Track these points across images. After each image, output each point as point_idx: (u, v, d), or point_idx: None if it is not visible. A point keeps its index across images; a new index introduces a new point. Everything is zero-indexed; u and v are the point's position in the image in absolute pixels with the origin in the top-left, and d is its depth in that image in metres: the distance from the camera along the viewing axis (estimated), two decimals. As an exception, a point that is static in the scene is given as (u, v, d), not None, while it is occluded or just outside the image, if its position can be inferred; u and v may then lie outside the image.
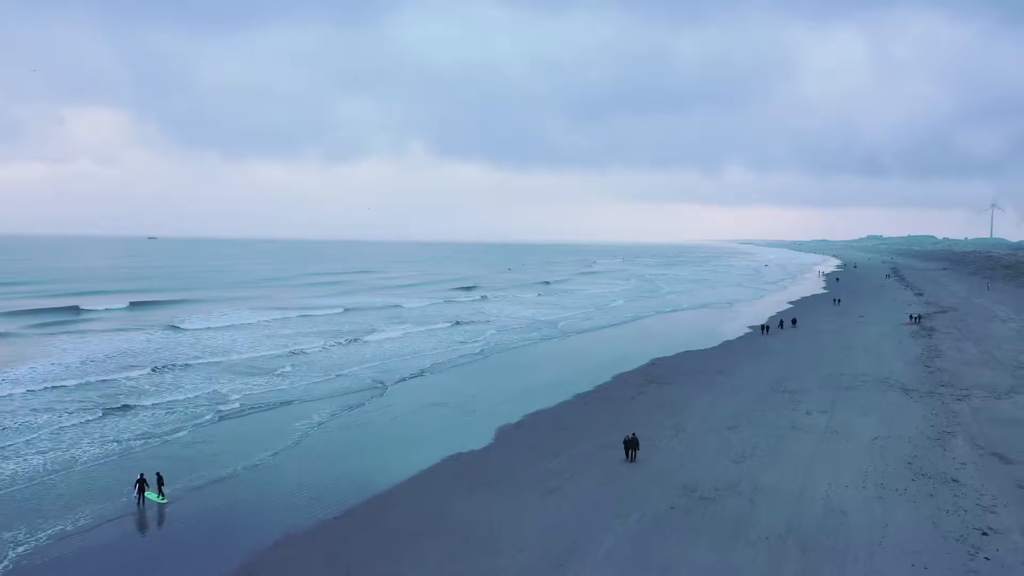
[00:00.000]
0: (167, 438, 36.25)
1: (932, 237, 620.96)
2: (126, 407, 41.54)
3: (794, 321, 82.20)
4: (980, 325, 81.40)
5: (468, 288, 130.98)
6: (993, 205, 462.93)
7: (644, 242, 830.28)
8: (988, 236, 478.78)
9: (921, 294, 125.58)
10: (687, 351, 64.55)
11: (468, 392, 47.61)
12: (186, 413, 40.79)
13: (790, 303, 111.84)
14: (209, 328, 73.78)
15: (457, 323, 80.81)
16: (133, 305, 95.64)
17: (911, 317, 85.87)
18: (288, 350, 60.89)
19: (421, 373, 53.03)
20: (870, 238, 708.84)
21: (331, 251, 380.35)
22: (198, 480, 30.33)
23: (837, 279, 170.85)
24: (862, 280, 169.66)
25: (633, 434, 32.49)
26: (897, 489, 28.85)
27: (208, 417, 40.09)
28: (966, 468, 31.56)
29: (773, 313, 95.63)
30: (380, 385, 48.94)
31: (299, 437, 36.83)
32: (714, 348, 66.50)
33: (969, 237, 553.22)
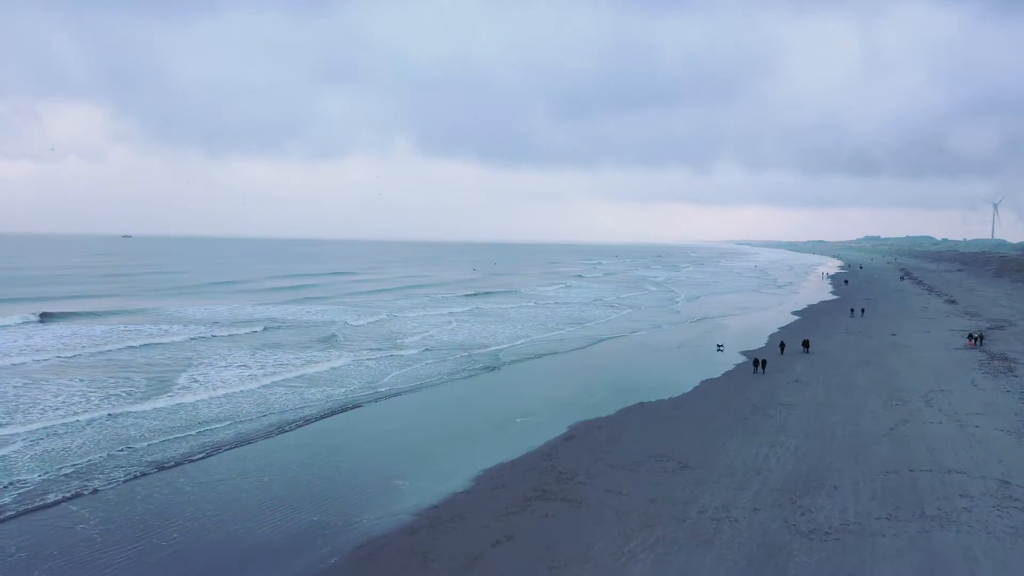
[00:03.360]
0: None
1: (931, 238, 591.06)
2: None
3: (805, 344, 56.11)
4: (1071, 351, 55.25)
5: (436, 297, 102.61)
6: (995, 205, 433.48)
7: (640, 243, 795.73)
8: (990, 236, 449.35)
9: (954, 301, 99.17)
10: (640, 403, 38.63)
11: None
12: None
13: (795, 313, 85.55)
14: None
15: (369, 350, 54.56)
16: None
17: (971, 337, 59.61)
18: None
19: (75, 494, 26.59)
20: (867, 238, 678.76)
21: (316, 250, 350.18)
22: None
23: (846, 281, 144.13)
24: (874, 283, 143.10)
25: None
26: None
27: None
28: None
29: (774, 330, 69.43)
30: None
31: None
32: (685, 397, 40.55)
33: (968, 237, 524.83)
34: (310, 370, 46.10)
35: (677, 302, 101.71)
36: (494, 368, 49.17)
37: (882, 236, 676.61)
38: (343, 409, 36.82)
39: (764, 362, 46.78)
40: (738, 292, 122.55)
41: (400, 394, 40.82)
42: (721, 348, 57.22)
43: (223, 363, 47.56)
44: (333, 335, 61.41)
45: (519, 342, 60.47)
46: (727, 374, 47.20)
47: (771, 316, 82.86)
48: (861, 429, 33.50)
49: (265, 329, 64.91)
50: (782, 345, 55.97)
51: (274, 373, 44.85)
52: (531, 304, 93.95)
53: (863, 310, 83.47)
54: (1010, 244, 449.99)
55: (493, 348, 57.06)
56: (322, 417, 35.00)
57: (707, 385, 43.55)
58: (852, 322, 75.40)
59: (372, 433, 32.95)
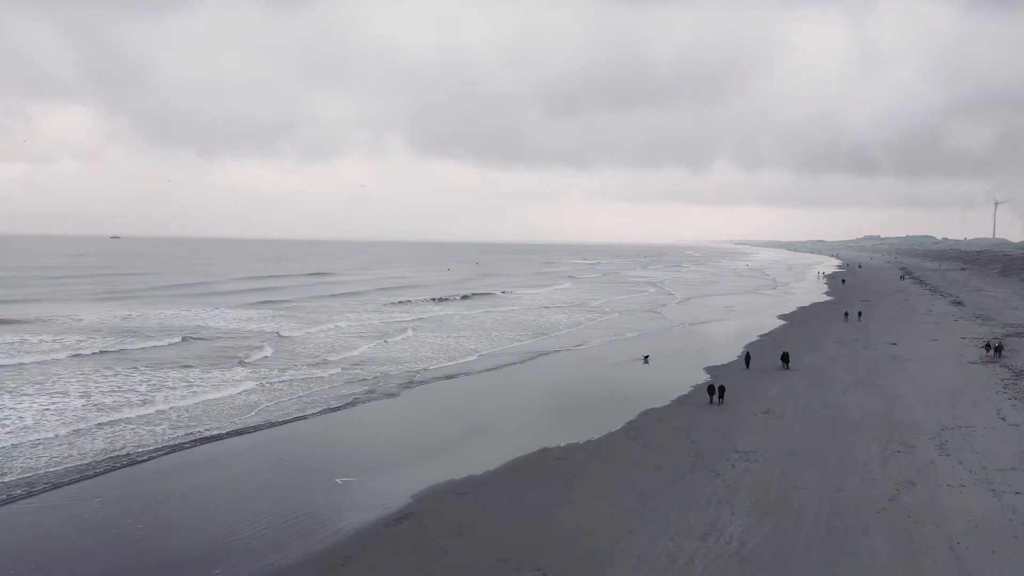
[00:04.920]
0: None
1: (931, 237, 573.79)
2: None
3: (784, 358, 44.53)
4: (1114, 366, 43.43)
5: (403, 301, 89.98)
6: (996, 203, 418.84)
7: (641, 243, 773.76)
8: (991, 235, 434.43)
9: (961, 303, 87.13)
10: (543, 450, 27.32)
11: None
12: None
13: (781, 317, 73.76)
14: None
15: (279, 370, 43.56)
16: None
17: (988, 347, 47.98)
18: None
19: None
20: (867, 238, 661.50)
21: (304, 251, 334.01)
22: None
23: (843, 281, 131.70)
24: (872, 282, 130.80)
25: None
26: None
27: None
28: None
29: (754, 337, 57.87)
30: None
31: None
32: (608, 440, 29.12)
33: (968, 237, 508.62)
34: (158, 405, 34.31)
35: (665, 305, 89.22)
36: (393, 395, 37.74)
37: (882, 236, 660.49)
38: (104, 471, 25.43)
39: (722, 389, 34.91)
40: (730, 294, 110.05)
41: (233, 436, 29.54)
42: (647, 360, 46.35)
43: (34, 395, 36.23)
44: (256, 349, 50.10)
45: (467, 358, 48.48)
46: (678, 401, 35.65)
47: (755, 321, 71.07)
48: (846, 499, 22.06)
49: (183, 340, 53.69)
50: (747, 359, 44.53)
51: (98, 410, 33.33)
52: (503, 309, 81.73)
53: (860, 313, 71.61)
54: (1012, 243, 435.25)
55: (419, 366, 45.21)
56: (41, 491, 23.35)
57: (645, 420, 32.05)
58: (846, 328, 63.66)
59: (81, 520, 21.44)
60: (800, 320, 71.29)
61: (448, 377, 42.09)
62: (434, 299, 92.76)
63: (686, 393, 37.20)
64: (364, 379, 40.93)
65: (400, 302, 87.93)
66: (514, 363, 47.07)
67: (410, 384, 39.97)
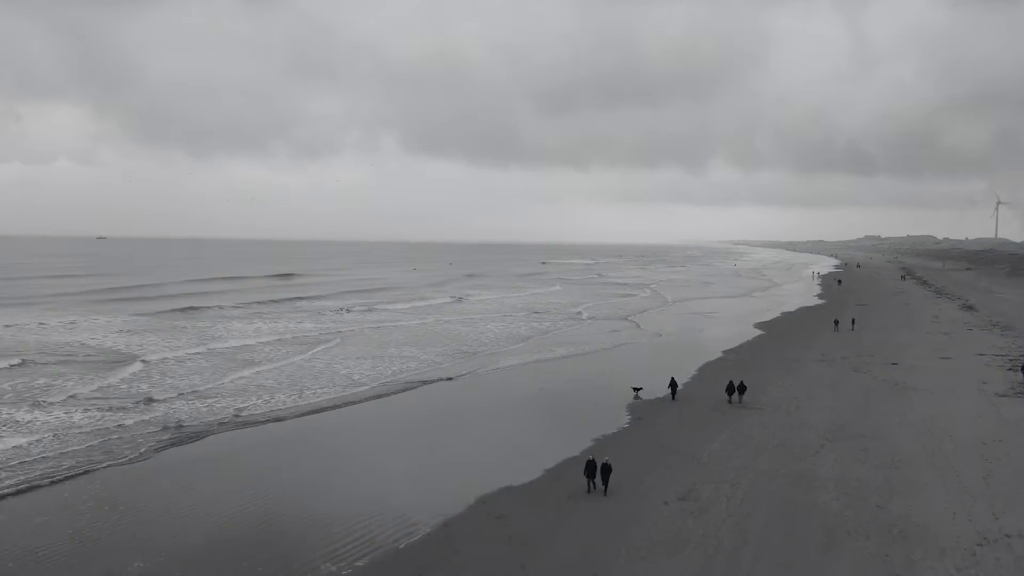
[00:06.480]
0: None
1: (932, 237, 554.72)
2: None
3: (740, 390, 31.20)
4: None
5: (341, 310, 76.22)
6: (999, 203, 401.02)
7: (643, 243, 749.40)
8: (993, 235, 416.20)
9: (971, 307, 73.12)
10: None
11: None
12: None
13: (759, 326, 60.02)
14: None
15: (101, 411, 31.60)
16: None
17: None
18: None
19: None
20: (867, 238, 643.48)
21: (288, 251, 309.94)
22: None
23: (839, 281, 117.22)
24: (871, 283, 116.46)
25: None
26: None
27: None
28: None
29: (718, 353, 44.54)
30: None
31: None
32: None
33: (969, 236, 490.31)
34: None
35: (645, 311, 74.19)
36: (190, 440, 24.85)
37: (882, 236, 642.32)
38: None
39: (606, 469, 20.45)
40: (719, 297, 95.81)
41: None
42: (639, 394, 33.09)
43: None
44: (86, 381, 37.07)
45: (340, 391, 35.76)
46: (555, 475, 22.32)
47: (730, 330, 57.59)
48: None
49: (21, 364, 40.62)
50: (673, 387, 31.63)
51: None
52: (447, 319, 68.22)
53: (853, 321, 57.80)
54: (1014, 243, 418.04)
55: (262, 407, 32.07)
56: None
57: (470, 522, 18.74)
58: (835, 340, 50.17)
59: None
60: (779, 330, 57.42)
61: (263, 422, 28.92)
62: (371, 308, 79.28)
63: (577, 454, 23.92)
64: (150, 430, 27.90)
65: (338, 310, 74.63)
66: (370, 399, 33.64)
67: (196, 437, 26.93)
